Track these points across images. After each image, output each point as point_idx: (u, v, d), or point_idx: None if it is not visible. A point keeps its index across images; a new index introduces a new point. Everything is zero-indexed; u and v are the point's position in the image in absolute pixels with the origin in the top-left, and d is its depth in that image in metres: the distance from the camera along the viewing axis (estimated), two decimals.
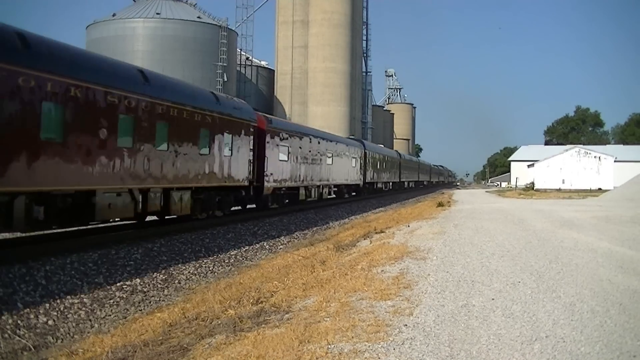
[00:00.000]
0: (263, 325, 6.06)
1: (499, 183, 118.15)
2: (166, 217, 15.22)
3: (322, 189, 28.93)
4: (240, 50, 61.28)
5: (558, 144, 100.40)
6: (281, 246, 16.53)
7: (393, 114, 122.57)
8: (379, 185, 46.18)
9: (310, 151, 26.39)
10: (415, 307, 6.23)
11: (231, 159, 17.44)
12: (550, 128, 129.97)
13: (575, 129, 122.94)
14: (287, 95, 65.57)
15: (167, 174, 13.86)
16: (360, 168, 37.54)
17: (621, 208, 25.20)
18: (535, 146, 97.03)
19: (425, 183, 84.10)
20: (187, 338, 6.32)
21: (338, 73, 64.73)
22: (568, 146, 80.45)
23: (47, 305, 8.56)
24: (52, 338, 7.74)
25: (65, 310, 8.63)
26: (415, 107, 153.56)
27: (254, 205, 21.72)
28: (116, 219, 13.27)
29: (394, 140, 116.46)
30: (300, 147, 25.00)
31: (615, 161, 69.14)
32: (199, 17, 51.72)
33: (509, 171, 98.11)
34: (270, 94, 67.09)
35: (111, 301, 9.46)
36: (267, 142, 20.91)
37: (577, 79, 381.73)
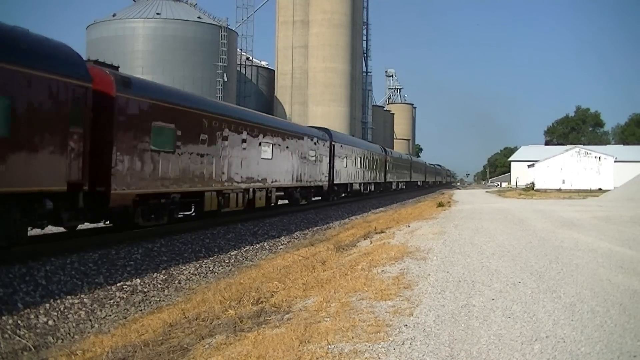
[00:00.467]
0: (263, 326, 6.06)
1: (499, 183, 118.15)
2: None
3: (254, 193, 19.88)
4: (241, 50, 61.24)
5: (558, 144, 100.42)
6: (281, 246, 16.53)
7: (393, 114, 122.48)
8: (355, 186, 36.65)
9: (222, 138, 17.22)
10: (415, 307, 6.22)
11: None
12: (550, 128, 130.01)
13: (576, 129, 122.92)
14: (287, 96, 65.54)
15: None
16: (327, 165, 29.51)
17: (621, 208, 25.19)
18: (535, 146, 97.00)
19: (419, 184, 75.94)
20: (187, 338, 6.32)
21: (338, 73, 64.69)
22: (568, 146, 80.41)
23: (47, 305, 8.56)
24: (52, 338, 7.75)
25: (66, 310, 8.63)
26: (415, 107, 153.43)
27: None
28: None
29: (394, 140, 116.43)
30: (192, 130, 15.43)
31: (615, 161, 69.08)
32: (199, 17, 51.70)
33: (509, 171, 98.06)
34: (271, 94, 67.06)
35: (111, 301, 9.46)
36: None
37: (577, 79, 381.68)
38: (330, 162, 30.02)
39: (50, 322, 8.13)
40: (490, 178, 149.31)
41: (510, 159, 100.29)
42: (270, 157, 21.32)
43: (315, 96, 64.08)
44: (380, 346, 4.84)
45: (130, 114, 12.73)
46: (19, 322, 7.83)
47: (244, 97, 59.40)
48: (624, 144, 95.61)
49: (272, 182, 21.67)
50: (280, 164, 22.43)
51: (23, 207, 9.95)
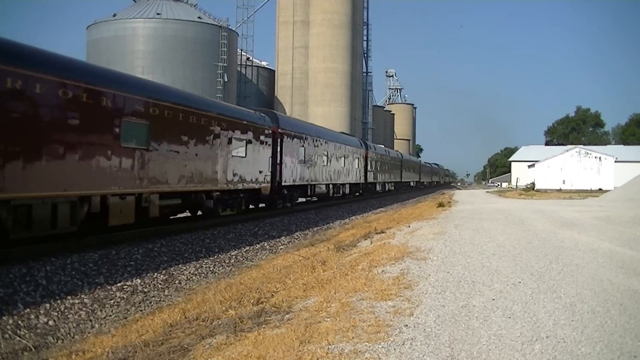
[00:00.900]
0: (263, 326, 6.06)
1: (499, 183, 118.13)
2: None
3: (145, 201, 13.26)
4: (241, 50, 61.27)
5: (558, 144, 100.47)
6: (282, 246, 16.53)
7: (394, 114, 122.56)
8: (322, 188, 28.61)
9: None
10: (415, 307, 6.22)
11: None
12: (550, 128, 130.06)
13: (576, 130, 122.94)
14: (288, 96, 65.59)
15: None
16: (269, 161, 20.87)
17: (622, 208, 25.18)
18: (535, 146, 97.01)
19: (412, 185, 68.01)
20: (187, 338, 6.32)
21: (338, 73, 64.74)
22: (568, 146, 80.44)
23: (48, 305, 8.56)
24: (53, 338, 7.74)
25: (66, 310, 8.63)
26: (415, 108, 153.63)
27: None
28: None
29: (395, 140, 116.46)
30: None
31: (615, 161, 69.09)
32: (199, 18, 51.72)
33: (510, 171, 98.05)
34: (271, 95, 67.10)
35: (112, 301, 9.46)
36: None
37: (577, 79, 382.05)
38: (277, 159, 21.65)
39: (50, 322, 8.13)
40: (490, 178, 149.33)
41: (510, 159, 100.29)
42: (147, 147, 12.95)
43: (315, 96, 64.14)
44: (380, 346, 4.84)
45: None
46: (20, 322, 7.83)
47: (245, 98, 59.47)
48: (624, 144, 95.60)
49: (164, 186, 13.73)
50: (170, 159, 14.02)
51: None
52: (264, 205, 22.30)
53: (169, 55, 47.68)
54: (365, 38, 77.70)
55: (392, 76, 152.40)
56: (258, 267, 12.76)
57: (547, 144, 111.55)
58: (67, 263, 10.25)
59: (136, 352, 6.17)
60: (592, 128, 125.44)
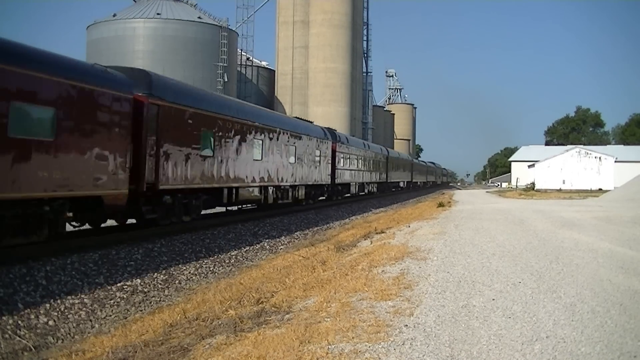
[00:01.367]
0: (263, 326, 6.06)
1: (499, 183, 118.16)
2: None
3: None
4: (241, 50, 61.28)
5: (559, 144, 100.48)
6: (282, 246, 16.53)
7: (394, 114, 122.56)
8: (251, 193, 19.99)
9: None
10: (415, 307, 6.22)
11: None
12: (550, 128, 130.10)
13: (576, 130, 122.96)
14: (288, 96, 65.60)
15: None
16: (151, 158, 13.22)
17: (622, 208, 25.18)
18: (535, 146, 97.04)
19: (401, 185, 58.77)
20: (187, 338, 6.32)
21: (338, 73, 64.76)
22: (569, 146, 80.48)
23: (48, 305, 8.56)
24: (53, 338, 7.75)
25: (66, 310, 8.64)
26: (415, 108, 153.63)
27: None
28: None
29: (395, 140, 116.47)
30: None
31: (615, 161, 69.13)
32: (199, 18, 51.73)
33: (510, 171, 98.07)
34: (271, 95, 67.10)
35: (112, 301, 9.47)
36: None
37: (577, 79, 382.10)
38: (140, 149, 12.94)
39: (50, 322, 8.13)
40: (490, 178, 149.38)
41: (510, 159, 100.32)
42: None
43: (315, 96, 64.16)
44: (380, 346, 4.84)
45: None
46: (20, 322, 7.84)
47: (245, 98, 59.25)
48: (624, 144, 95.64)
49: None
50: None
51: None
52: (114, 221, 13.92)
53: (169, 55, 47.68)
54: (365, 38, 77.78)
55: (392, 76, 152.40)
56: (258, 267, 12.76)
57: (547, 144, 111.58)
58: (67, 263, 10.25)
59: (136, 352, 6.17)
60: (592, 128, 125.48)
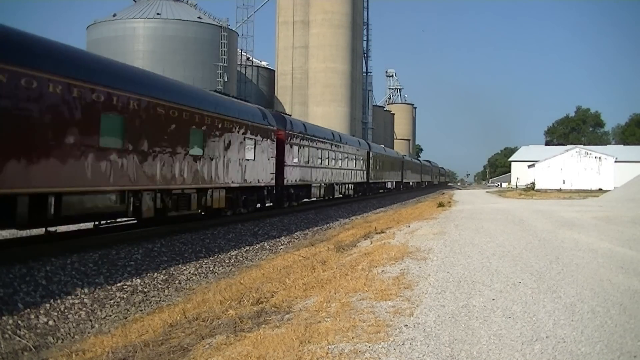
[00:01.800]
0: (263, 326, 6.06)
1: (499, 183, 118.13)
2: None
3: None
4: (241, 50, 61.31)
5: (558, 144, 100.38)
6: (282, 246, 16.53)
7: (394, 114, 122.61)
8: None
9: None
10: (415, 307, 6.22)
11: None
12: (550, 128, 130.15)
13: (576, 130, 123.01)
14: (288, 96, 65.62)
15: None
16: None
17: (622, 208, 25.18)
18: (535, 146, 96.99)
19: (390, 186, 52.62)
20: (187, 338, 6.32)
21: (338, 73, 64.79)
22: (568, 146, 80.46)
23: (48, 305, 8.56)
24: (53, 338, 7.74)
25: (66, 310, 8.63)
26: (415, 108, 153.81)
27: None
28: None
29: (395, 140, 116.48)
30: None
31: (615, 161, 69.14)
32: (199, 18, 51.74)
33: (510, 171, 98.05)
34: (271, 95, 67.12)
35: (112, 301, 9.46)
36: None
37: (577, 79, 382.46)
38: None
39: (50, 322, 8.12)
40: (490, 178, 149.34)
41: (510, 159, 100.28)
42: None
43: (315, 96, 64.18)
44: (380, 346, 4.84)
45: None
46: (20, 322, 7.83)
47: (244, 98, 59.33)
48: (624, 144, 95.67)
49: None
50: None
51: None
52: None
53: (169, 55, 47.70)
54: (365, 38, 77.79)
55: (392, 76, 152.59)
56: (258, 267, 12.75)
57: (547, 144, 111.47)
58: (67, 263, 10.25)
59: (136, 352, 6.17)
60: (592, 128, 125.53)
